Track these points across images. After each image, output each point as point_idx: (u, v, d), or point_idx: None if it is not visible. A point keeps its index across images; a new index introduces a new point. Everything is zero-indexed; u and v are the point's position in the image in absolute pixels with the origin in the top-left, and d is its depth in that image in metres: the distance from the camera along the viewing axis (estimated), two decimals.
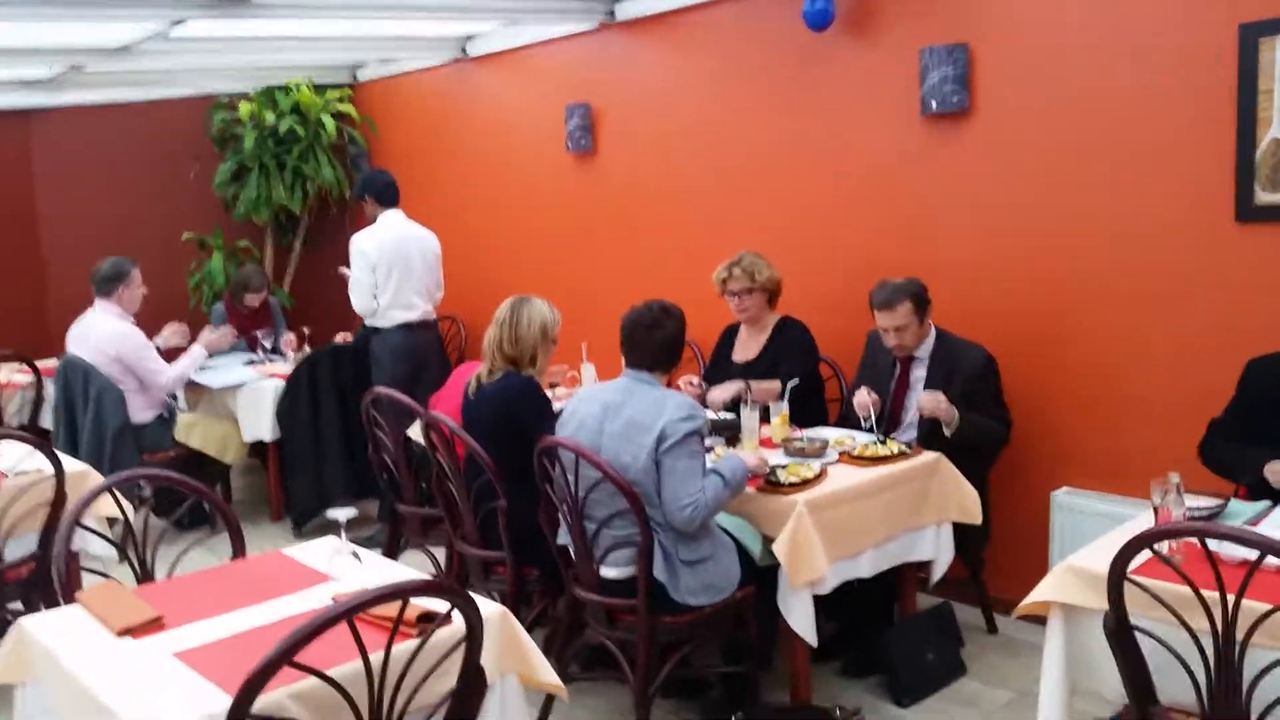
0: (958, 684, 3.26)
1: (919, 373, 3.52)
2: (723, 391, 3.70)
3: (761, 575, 2.93)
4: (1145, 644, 2.04)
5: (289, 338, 5.45)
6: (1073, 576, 2.25)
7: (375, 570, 2.39)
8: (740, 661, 3.00)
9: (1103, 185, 3.37)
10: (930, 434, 3.35)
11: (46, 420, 5.15)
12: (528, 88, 5.48)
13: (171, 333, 5.17)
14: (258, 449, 5.25)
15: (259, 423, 4.91)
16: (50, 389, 5.04)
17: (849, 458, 3.18)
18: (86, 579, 2.66)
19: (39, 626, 2.16)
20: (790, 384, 3.54)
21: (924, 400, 3.32)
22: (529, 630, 2.22)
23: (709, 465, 2.82)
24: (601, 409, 2.85)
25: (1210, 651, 1.94)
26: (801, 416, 3.56)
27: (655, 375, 2.88)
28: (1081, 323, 3.47)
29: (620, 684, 3.05)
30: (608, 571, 2.83)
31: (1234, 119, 3.05)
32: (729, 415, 3.51)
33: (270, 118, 6.05)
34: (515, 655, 2.17)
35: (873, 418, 3.37)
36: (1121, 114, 3.31)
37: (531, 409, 3.22)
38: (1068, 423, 3.54)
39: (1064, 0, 3.42)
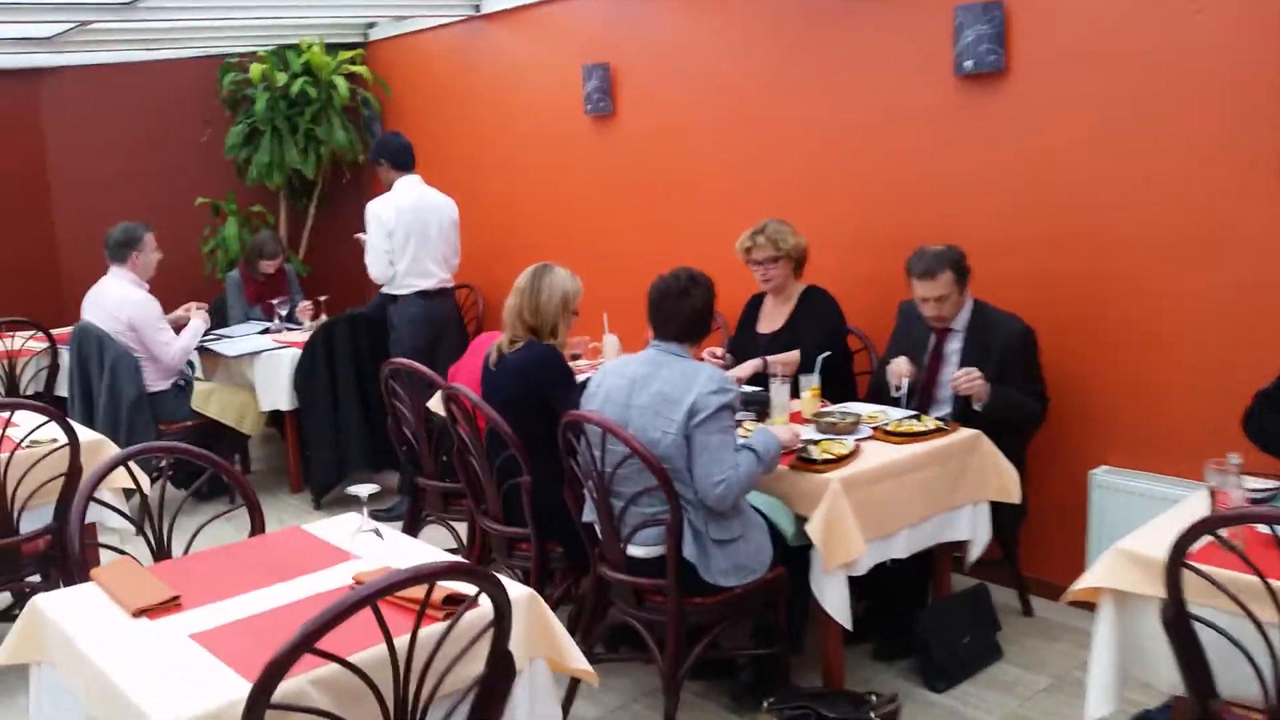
0: (994, 668, 3.17)
1: (954, 345, 3.40)
2: (741, 371, 3.62)
3: (792, 555, 2.85)
4: (1204, 634, 1.94)
5: (305, 305, 5.37)
6: (1126, 561, 2.15)
7: (397, 548, 2.32)
8: (771, 643, 2.93)
9: (1144, 146, 3.23)
10: (965, 410, 3.24)
11: (62, 388, 5.10)
12: (544, 47, 5.32)
13: (185, 309, 5.04)
14: (275, 418, 5.19)
15: (276, 392, 4.84)
16: (65, 356, 4.99)
17: (883, 433, 3.08)
18: (104, 554, 2.60)
19: (53, 606, 2.10)
20: (821, 356, 3.43)
21: (958, 379, 3.21)
22: (553, 609, 2.15)
23: (739, 441, 2.73)
24: (629, 382, 2.75)
25: (1278, 643, 1.84)
26: (830, 390, 3.45)
27: (684, 347, 2.79)
28: (1121, 287, 3.33)
29: (646, 664, 2.99)
30: (635, 550, 2.75)
31: None
32: (756, 389, 3.41)
33: (281, 78, 5.92)
34: (544, 640, 2.10)
35: (905, 388, 3.26)
36: (1164, 72, 3.16)
37: (555, 379, 3.14)
38: (1107, 397, 3.41)
39: None
